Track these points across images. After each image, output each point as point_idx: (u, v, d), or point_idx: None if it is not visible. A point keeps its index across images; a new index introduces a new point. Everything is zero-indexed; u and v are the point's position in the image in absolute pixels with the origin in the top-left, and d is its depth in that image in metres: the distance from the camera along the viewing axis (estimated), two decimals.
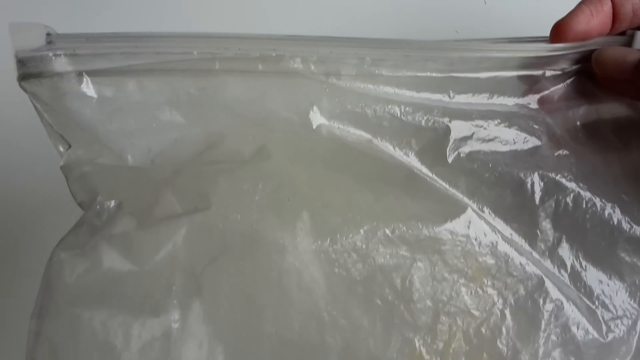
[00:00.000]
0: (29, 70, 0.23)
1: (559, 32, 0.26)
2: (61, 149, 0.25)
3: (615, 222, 0.25)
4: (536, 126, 0.26)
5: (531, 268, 0.24)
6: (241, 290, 0.24)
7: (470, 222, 0.24)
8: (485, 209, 0.25)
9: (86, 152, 0.24)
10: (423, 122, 0.25)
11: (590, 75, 0.27)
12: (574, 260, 0.25)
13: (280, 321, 0.24)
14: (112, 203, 0.24)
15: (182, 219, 0.23)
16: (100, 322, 0.22)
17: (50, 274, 0.23)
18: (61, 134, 0.24)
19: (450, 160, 0.25)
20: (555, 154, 0.26)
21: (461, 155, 0.25)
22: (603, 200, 0.25)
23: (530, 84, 0.27)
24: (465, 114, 0.25)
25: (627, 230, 0.25)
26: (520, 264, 0.24)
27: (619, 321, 0.25)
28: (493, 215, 0.25)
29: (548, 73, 0.27)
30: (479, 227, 0.24)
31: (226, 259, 0.24)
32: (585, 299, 0.25)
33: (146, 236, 0.24)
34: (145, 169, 0.24)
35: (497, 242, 0.24)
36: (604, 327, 0.25)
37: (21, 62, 0.22)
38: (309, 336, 0.23)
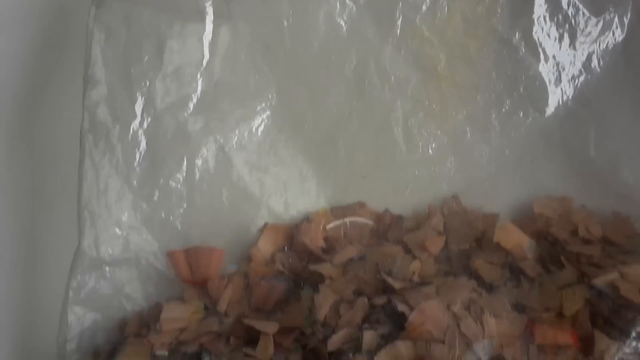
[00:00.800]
0: None
1: None
2: None
3: None
4: None
5: None
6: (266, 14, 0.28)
7: None
8: None
9: None
10: None
11: None
12: None
13: (301, 39, 0.28)
14: None
15: None
16: (149, 15, 0.27)
17: None
18: None
19: None
20: None
21: None
22: None
23: None
24: None
25: None
26: None
27: (609, 4, 0.27)
28: None
29: None
30: None
31: None
32: None
33: None
34: None
35: None
36: (596, 7, 0.27)
37: None
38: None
